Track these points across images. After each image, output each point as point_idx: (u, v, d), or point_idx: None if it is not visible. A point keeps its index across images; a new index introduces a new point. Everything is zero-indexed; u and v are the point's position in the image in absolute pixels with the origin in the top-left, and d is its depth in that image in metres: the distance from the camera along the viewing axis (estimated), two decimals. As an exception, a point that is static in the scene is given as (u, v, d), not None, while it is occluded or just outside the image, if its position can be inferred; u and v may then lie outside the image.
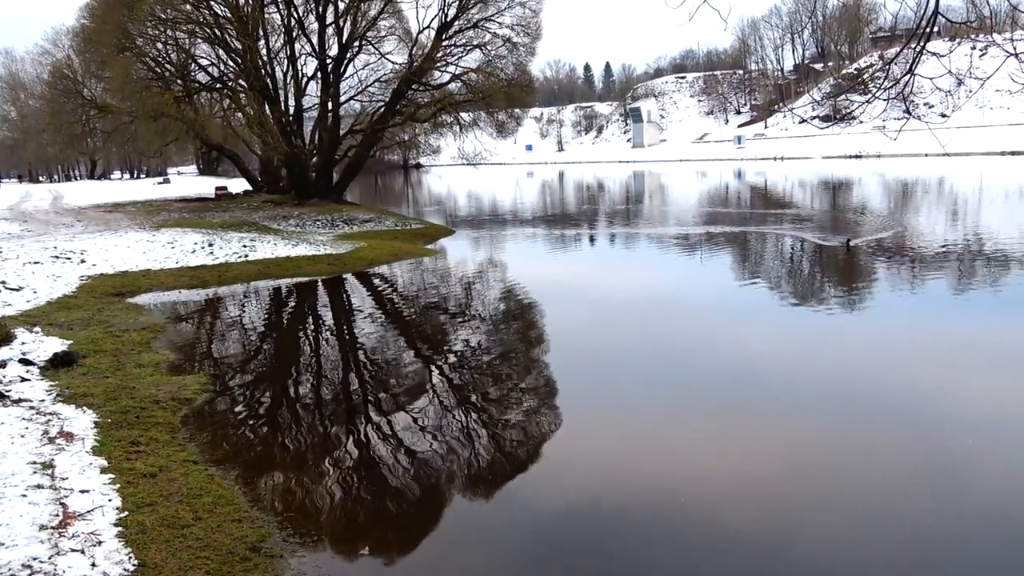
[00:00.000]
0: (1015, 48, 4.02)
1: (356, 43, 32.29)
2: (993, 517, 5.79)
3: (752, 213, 31.41)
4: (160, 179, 73.85)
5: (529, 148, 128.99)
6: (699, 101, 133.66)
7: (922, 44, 4.03)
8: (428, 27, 31.88)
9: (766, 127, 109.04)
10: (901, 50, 4.13)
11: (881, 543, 5.43)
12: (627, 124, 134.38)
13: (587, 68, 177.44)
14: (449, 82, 32.83)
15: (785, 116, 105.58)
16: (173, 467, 6.68)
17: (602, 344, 11.47)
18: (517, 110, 34.46)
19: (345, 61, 32.71)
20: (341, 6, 32.09)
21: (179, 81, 34.36)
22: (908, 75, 4.21)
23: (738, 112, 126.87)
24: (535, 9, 31.31)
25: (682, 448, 7.38)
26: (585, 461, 7.16)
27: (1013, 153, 57.32)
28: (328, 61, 32.66)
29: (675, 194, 46.59)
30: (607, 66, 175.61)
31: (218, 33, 30.76)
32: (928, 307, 13.01)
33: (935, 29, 4.54)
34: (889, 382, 8.99)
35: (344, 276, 17.95)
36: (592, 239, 25.70)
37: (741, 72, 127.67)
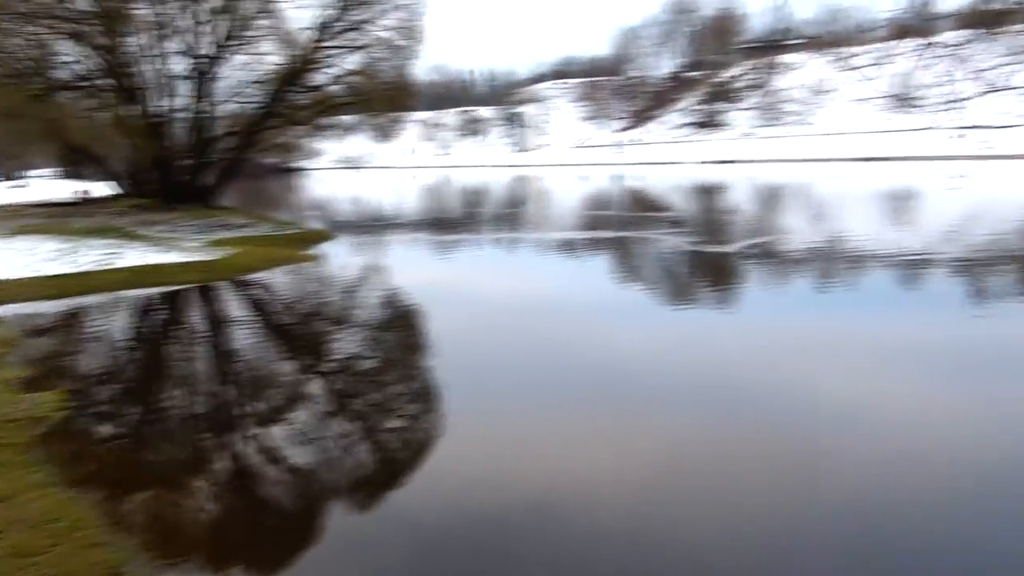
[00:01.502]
0: (859, 63, 4.24)
1: (231, 43, 31.22)
2: (850, 507, 6.10)
3: (632, 216, 32.25)
4: (15, 182, 69.18)
5: (413, 151, 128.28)
6: (579, 107, 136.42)
7: (780, 60, 4.20)
8: (307, 28, 31.20)
9: (644, 133, 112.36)
10: (758, 64, 4.29)
11: (748, 535, 5.64)
12: (510, 128, 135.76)
13: (470, 72, 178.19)
14: (329, 84, 32.23)
15: (663, 122, 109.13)
16: (26, 491, 6.22)
17: (485, 348, 11.49)
18: (399, 113, 34.16)
19: (220, 61, 31.58)
20: (215, 4, 30.96)
21: (37, 78, 32.23)
22: (762, 88, 4.39)
23: (617, 118, 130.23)
24: (417, 12, 31.18)
25: (562, 448, 7.45)
26: (467, 465, 7.13)
27: (868, 159, 61.15)
28: (202, 60, 31.44)
29: (558, 197, 47.32)
30: (490, 71, 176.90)
31: (83, 29, 29.06)
32: (799, 307, 13.66)
33: (795, 42, 4.75)
34: (759, 380, 9.36)
35: (217, 284, 17.28)
36: (477, 243, 25.75)
37: (620, 79, 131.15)
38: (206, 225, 27.20)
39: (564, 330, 12.37)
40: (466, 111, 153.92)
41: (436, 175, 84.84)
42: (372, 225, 33.50)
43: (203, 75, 31.48)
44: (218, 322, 14.25)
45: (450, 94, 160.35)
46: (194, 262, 18.99)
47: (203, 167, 33.10)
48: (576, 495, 6.42)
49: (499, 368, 10.34)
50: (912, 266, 16.69)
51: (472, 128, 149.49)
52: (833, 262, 17.82)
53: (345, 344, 11.95)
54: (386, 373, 10.44)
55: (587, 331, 12.22)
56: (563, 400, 8.84)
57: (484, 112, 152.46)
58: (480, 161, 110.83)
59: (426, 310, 14.22)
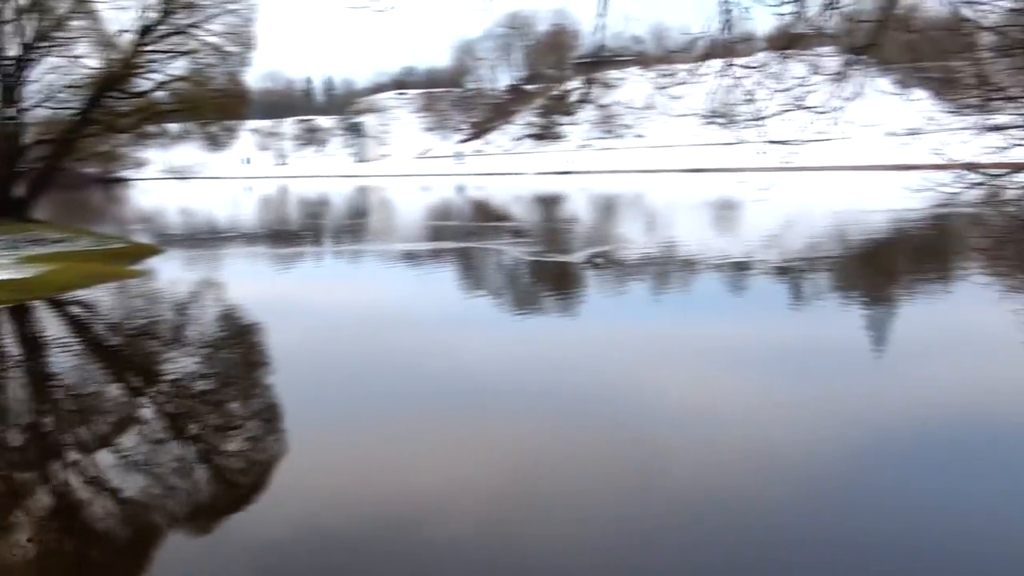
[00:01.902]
0: (679, 81, 4.55)
1: (42, 44, 28.95)
2: (695, 503, 6.45)
3: (475, 227, 32.59)
4: None
5: (247, 161, 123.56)
6: (421, 117, 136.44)
7: (606, 76, 4.43)
8: (127, 31, 29.41)
9: (484, 144, 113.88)
10: (591, 78, 4.51)
11: (599, 536, 5.84)
12: (351, 138, 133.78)
13: (308, 81, 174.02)
14: (154, 90, 30.49)
15: (503, 133, 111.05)
16: None
17: (328, 362, 11.26)
18: (231, 121, 32.89)
19: (30, 64, 29.20)
20: (22, 2, 28.63)
21: None
22: (585, 101, 4.62)
23: (458, 129, 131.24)
24: (248, 18, 30.08)
25: (408, 461, 7.42)
26: (313, 483, 6.96)
27: (696, 170, 64.79)
28: (8, 63, 28.96)
29: (401, 208, 47.07)
30: (328, 80, 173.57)
31: None
32: (637, 312, 14.27)
33: (625, 58, 5.02)
34: (603, 384, 9.71)
35: (32, 304, 15.95)
36: (317, 256, 25.19)
37: (460, 90, 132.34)
38: (16, 240, 25.01)
39: (409, 341, 12.32)
40: (304, 120, 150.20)
41: (273, 186, 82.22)
42: (205, 238, 32.02)
43: (9, 78, 29.02)
44: (34, 345, 13.16)
45: (287, 102, 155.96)
46: (3, 280, 17.45)
47: (13, 177, 30.45)
48: (426, 508, 6.40)
49: (343, 382, 10.16)
50: (731, 269, 17.86)
51: (311, 138, 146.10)
52: (666, 268, 18.78)
53: (178, 364, 11.36)
54: (223, 392, 10.02)
55: (432, 341, 12.23)
56: (409, 411, 8.80)
57: (323, 121, 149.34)
58: (320, 172, 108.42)
59: (265, 325, 13.75)
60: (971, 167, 6.16)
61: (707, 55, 4.32)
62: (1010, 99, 5.78)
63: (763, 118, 4.61)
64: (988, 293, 14.43)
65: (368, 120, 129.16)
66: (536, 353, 11.41)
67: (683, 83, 4.54)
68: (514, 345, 11.97)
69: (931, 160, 6.77)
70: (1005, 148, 5.93)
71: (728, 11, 3.94)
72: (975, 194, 6.15)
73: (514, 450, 7.66)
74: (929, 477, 6.68)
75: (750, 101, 4.56)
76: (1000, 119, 6.55)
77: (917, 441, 7.54)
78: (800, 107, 4.68)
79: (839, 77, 4.55)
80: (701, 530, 5.87)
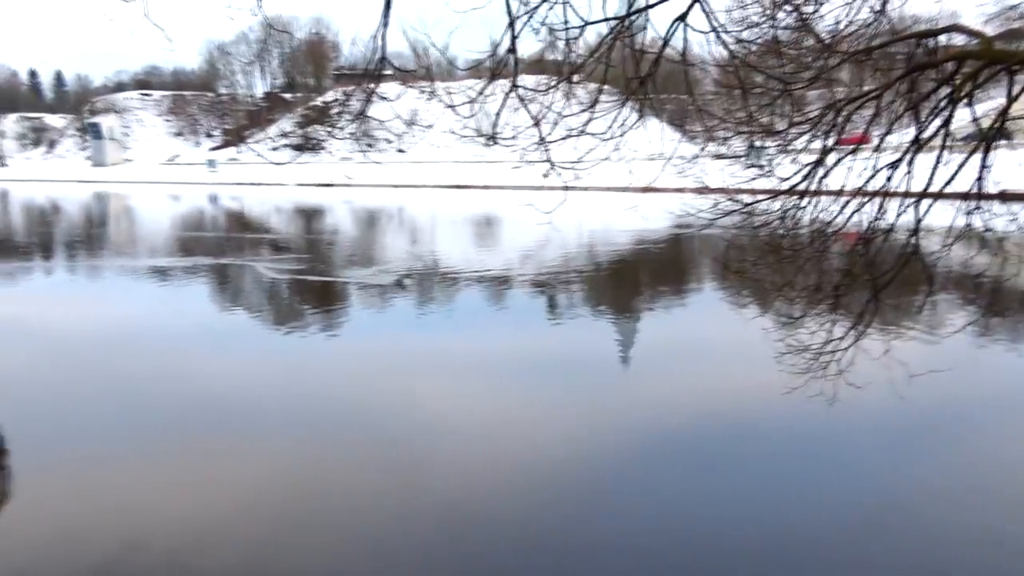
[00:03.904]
0: (452, 100, 4.45)
1: None
2: (451, 512, 6.37)
3: (231, 240, 30.81)
4: None
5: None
6: (167, 121, 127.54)
7: (374, 87, 4.21)
8: None
9: (239, 152, 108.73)
10: (353, 91, 4.28)
11: (354, 555, 5.56)
12: (86, 140, 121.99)
13: (33, 74, 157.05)
14: None
15: (259, 142, 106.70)
16: None
17: (51, 389, 9.98)
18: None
19: None
20: None
21: None
22: (361, 116, 4.39)
23: (209, 135, 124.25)
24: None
25: (145, 493, 6.69)
26: (40, 527, 6.06)
27: (458, 187, 66.05)
28: None
29: (146, 218, 43.53)
30: (58, 74, 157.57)
31: None
32: (398, 328, 14.05)
33: (388, 72, 4.87)
34: (356, 400, 9.43)
35: None
36: (46, 271, 22.51)
37: (212, 95, 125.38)
38: None
39: (151, 365, 11.25)
40: (27, 118, 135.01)
41: (-9, 190, 72.95)
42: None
43: None
44: None
45: (8, 96, 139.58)
46: None
47: None
48: (174, 541, 5.78)
49: (74, 410, 9.03)
50: (496, 283, 18.25)
51: (39, 137, 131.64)
52: (427, 283, 18.78)
53: None
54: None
55: (178, 365, 11.27)
56: (151, 441, 7.99)
57: (53, 120, 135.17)
58: (50, 175, 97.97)
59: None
60: (724, 192, 6.65)
61: (492, 76, 4.27)
62: (740, 132, 6.32)
63: (544, 141, 4.65)
64: (730, 308, 15.84)
65: (107, 121, 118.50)
66: (291, 373, 10.85)
67: (471, 102, 4.46)
68: (267, 365, 11.32)
69: (687, 184, 7.24)
70: (757, 177, 6.47)
71: (514, 38, 3.91)
72: (731, 220, 6.63)
73: (268, 475, 7.17)
74: (672, 480, 7.10)
75: (535, 124, 4.58)
76: (728, 148, 7.14)
77: (661, 445, 8.04)
78: (583, 133, 4.79)
79: (619, 106, 4.70)
80: (442, 538, 5.79)
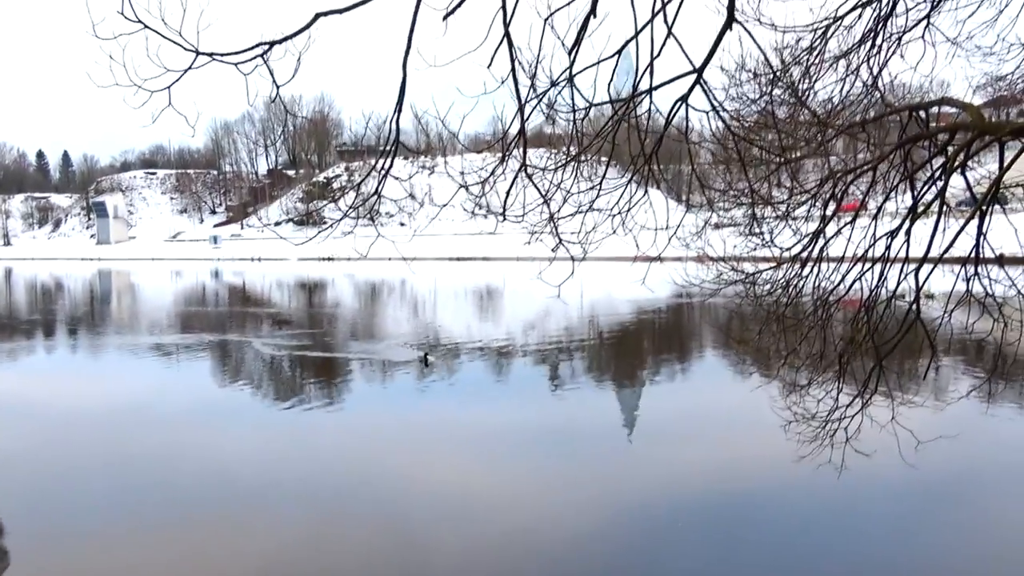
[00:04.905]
0: (464, 179, 4.61)
1: None
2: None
3: (233, 315, 30.94)
4: None
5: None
6: (172, 199, 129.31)
7: (388, 166, 4.37)
8: None
9: (242, 228, 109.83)
10: (367, 175, 4.45)
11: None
12: (90, 219, 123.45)
13: (40, 155, 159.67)
14: None
15: (261, 219, 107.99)
16: None
17: (54, 467, 9.94)
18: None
19: None
20: None
21: None
22: (375, 196, 4.54)
23: (213, 212, 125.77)
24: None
25: (151, 570, 6.63)
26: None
27: (460, 259, 66.65)
28: None
29: (149, 295, 43.77)
30: (65, 155, 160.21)
31: None
32: (394, 401, 14.04)
33: (397, 150, 5.05)
34: (361, 474, 9.38)
35: None
36: (49, 349, 22.57)
37: (216, 172, 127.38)
38: None
39: (154, 442, 11.22)
40: (34, 197, 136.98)
41: (-4, 269, 73.55)
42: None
43: None
44: None
45: (15, 178, 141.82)
46: None
47: None
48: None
49: (75, 487, 8.99)
50: (499, 354, 18.27)
51: (44, 217, 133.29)
52: (435, 356, 18.81)
53: None
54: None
55: (181, 441, 11.24)
56: (155, 517, 7.94)
57: (58, 199, 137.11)
58: (55, 254, 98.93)
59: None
60: (724, 261, 6.78)
61: (503, 158, 4.43)
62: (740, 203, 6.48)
63: (552, 217, 4.80)
64: (735, 376, 15.83)
65: (111, 200, 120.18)
66: (293, 448, 10.82)
67: (482, 182, 4.61)
68: (271, 440, 11.29)
69: (691, 254, 7.38)
70: (757, 247, 6.60)
71: (524, 120, 4.08)
72: (735, 289, 6.75)
73: (263, 548, 7.11)
74: (685, 553, 7.02)
75: (545, 203, 4.74)
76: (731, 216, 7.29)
77: (671, 517, 7.97)
78: (591, 209, 4.94)
79: (625, 183, 4.87)
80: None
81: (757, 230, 7.22)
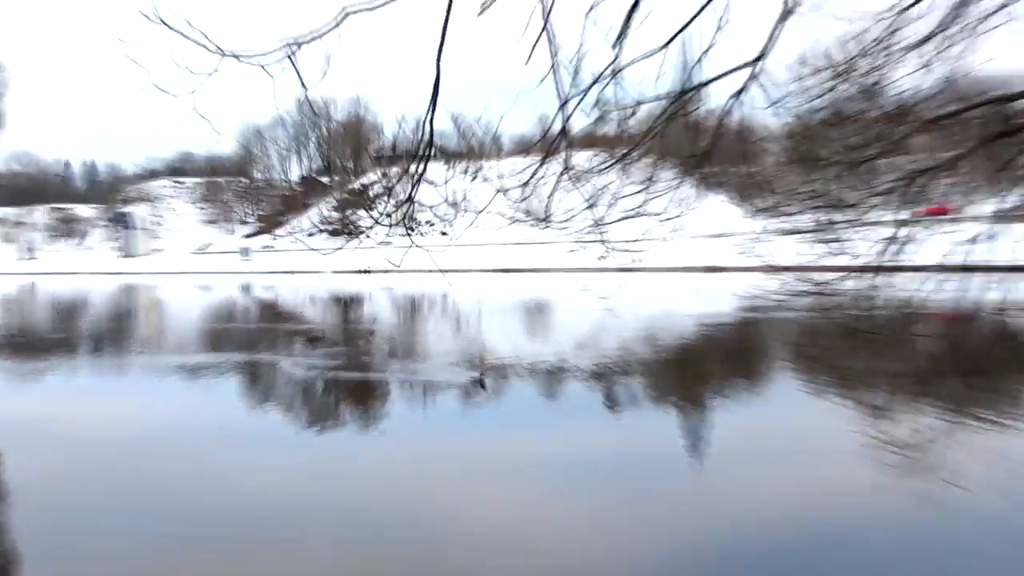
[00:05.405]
0: (503, 184, 4.68)
1: None
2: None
3: (262, 332, 31.49)
4: None
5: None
6: (200, 208, 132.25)
7: (421, 171, 4.46)
8: None
9: (274, 239, 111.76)
10: (400, 177, 4.54)
11: None
12: (116, 231, 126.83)
13: (66, 165, 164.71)
14: None
15: (293, 230, 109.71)
16: None
17: (72, 497, 10.22)
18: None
19: None
20: None
21: None
22: (408, 202, 4.63)
23: (244, 222, 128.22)
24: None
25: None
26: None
27: (506, 270, 66.90)
28: None
29: (176, 311, 44.79)
30: (91, 164, 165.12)
31: None
32: (434, 426, 14.15)
33: (432, 153, 5.14)
34: (399, 508, 9.45)
35: None
36: (71, 369, 23.22)
37: (246, 180, 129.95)
38: None
39: (180, 470, 11.47)
40: (60, 208, 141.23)
41: (18, 284, 75.87)
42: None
43: None
44: None
45: (38, 188, 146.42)
46: None
47: None
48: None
49: (106, 522, 9.23)
50: (548, 374, 18.28)
51: (68, 229, 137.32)
52: (478, 377, 18.91)
53: None
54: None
55: (209, 471, 11.48)
56: (183, 550, 8.12)
57: (83, 210, 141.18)
58: (78, 268, 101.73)
59: (3, 455, 12.37)
60: (796, 270, 6.75)
61: (544, 159, 4.49)
62: (816, 207, 6.43)
63: (600, 223, 4.84)
64: (808, 397, 15.62)
65: (137, 210, 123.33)
66: (330, 475, 10.97)
67: (523, 185, 4.68)
68: (304, 467, 11.46)
69: (752, 263, 7.35)
70: (834, 254, 6.55)
71: (566, 118, 4.13)
72: (803, 301, 6.70)
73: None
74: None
75: (590, 207, 4.79)
76: (799, 222, 7.24)
77: (745, 556, 7.86)
78: (640, 214, 4.97)
79: (677, 185, 4.89)
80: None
81: (827, 236, 7.16)
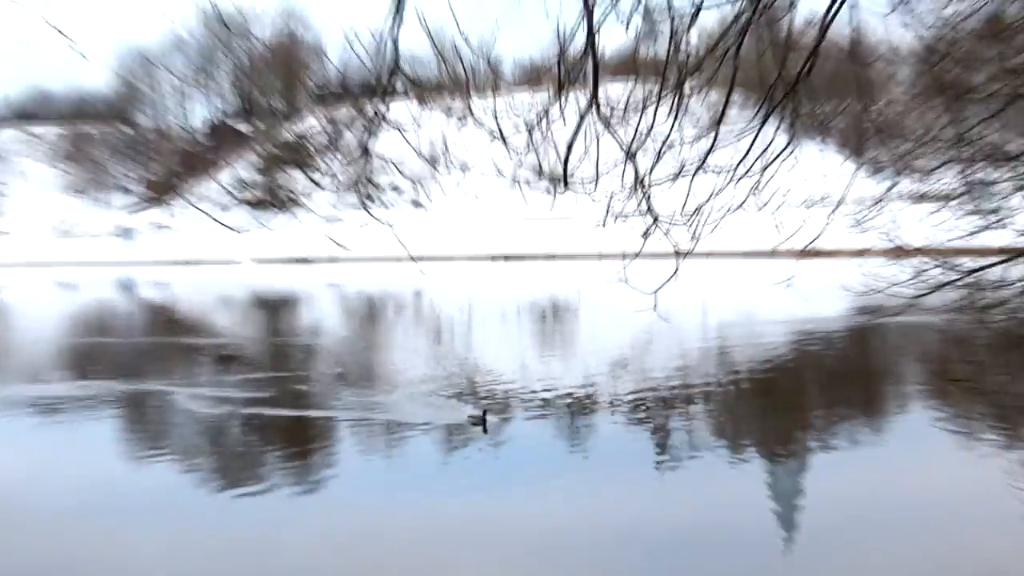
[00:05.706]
0: (502, 128, 4.63)
1: None
2: None
3: (152, 350, 31.52)
4: None
5: None
6: (62, 171, 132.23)
7: (382, 111, 4.42)
8: None
9: (170, 215, 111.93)
10: (353, 121, 4.50)
11: None
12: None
13: None
14: None
15: (198, 202, 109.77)
16: None
17: None
18: None
19: None
20: None
21: None
22: (364, 156, 4.59)
23: (125, 190, 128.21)
24: None
25: None
26: None
27: (507, 257, 66.92)
28: None
29: (23, 320, 44.89)
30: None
31: None
32: (403, 483, 14.15)
33: (398, 86, 5.05)
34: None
35: None
36: None
37: (128, 129, 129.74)
38: None
39: (38, 549, 11.50)
40: None
41: None
42: None
43: None
44: None
45: None
46: None
47: None
48: None
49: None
50: (573, 408, 18.27)
51: None
52: (467, 411, 18.91)
53: None
54: None
55: (77, 547, 11.52)
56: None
57: None
58: None
59: None
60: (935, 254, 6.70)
61: (561, 88, 4.41)
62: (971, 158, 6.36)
63: (647, 183, 4.75)
64: (952, 438, 15.58)
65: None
66: (246, 555, 11.00)
67: (529, 129, 4.61)
68: (213, 549, 11.49)
69: (870, 243, 7.30)
70: (981, 229, 6.48)
71: (593, 33, 4.04)
72: (949, 296, 6.66)
73: None
74: None
75: (629, 158, 4.69)
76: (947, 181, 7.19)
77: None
78: (702, 168, 4.88)
79: (756, 129, 4.81)
80: None
81: (982, 202, 7.10)
